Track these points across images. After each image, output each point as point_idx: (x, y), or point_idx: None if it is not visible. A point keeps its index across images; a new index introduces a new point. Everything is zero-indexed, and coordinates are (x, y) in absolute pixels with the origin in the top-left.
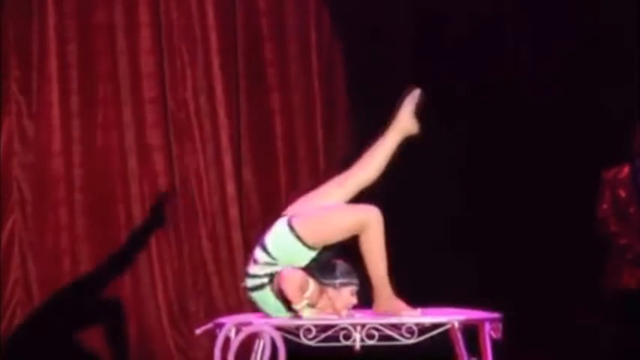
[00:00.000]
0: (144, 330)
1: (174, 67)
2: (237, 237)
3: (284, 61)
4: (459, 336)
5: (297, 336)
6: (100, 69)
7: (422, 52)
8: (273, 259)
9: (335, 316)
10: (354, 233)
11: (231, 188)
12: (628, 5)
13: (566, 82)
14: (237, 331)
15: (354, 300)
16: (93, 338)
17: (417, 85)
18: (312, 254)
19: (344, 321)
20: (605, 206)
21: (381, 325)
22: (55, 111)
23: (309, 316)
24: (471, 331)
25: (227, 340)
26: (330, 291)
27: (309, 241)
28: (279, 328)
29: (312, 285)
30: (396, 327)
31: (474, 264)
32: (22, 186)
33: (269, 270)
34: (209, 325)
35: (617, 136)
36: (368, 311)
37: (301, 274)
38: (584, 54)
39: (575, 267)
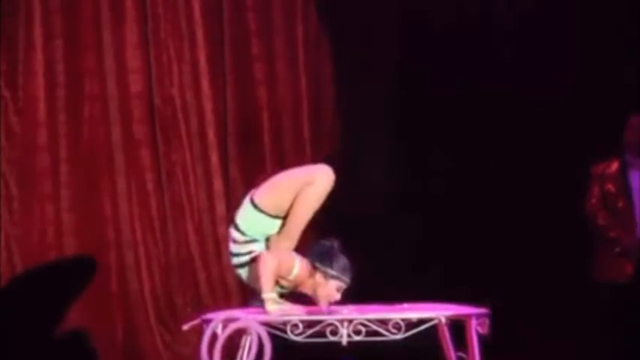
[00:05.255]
0: (131, 325)
1: (160, 63)
2: (223, 233)
3: (271, 56)
4: (446, 331)
5: (284, 332)
6: (86, 64)
7: (409, 47)
8: (249, 235)
9: (321, 312)
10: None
11: (217, 184)
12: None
13: (556, 77)
14: (224, 327)
15: (338, 296)
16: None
17: (405, 81)
18: (278, 222)
19: (331, 317)
20: (593, 201)
21: (368, 320)
22: (41, 106)
23: (273, 310)
24: (458, 327)
25: (214, 336)
26: (319, 277)
27: (272, 212)
28: (266, 324)
29: (296, 269)
30: (383, 323)
31: (462, 259)
32: (8, 181)
33: (251, 247)
34: (196, 321)
35: (606, 131)
36: (355, 307)
37: (280, 259)
38: (573, 49)
39: (563, 261)
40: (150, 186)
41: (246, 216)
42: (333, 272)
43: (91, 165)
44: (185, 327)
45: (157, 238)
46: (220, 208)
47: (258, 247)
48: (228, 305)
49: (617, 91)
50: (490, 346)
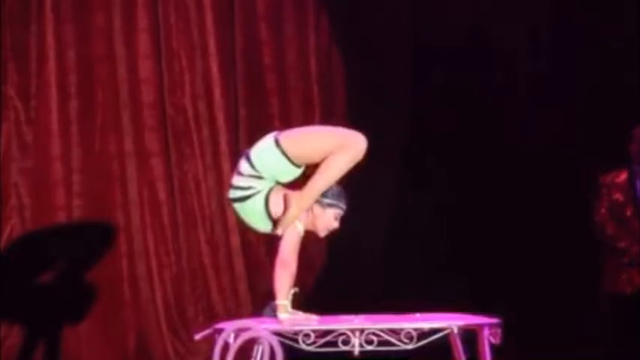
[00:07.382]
0: (143, 335)
1: (172, 72)
2: (235, 242)
3: (282, 65)
4: (458, 341)
5: (296, 341)
6: (99, 74)
7: (420, 56)
8: (257, 172)
9: (333, 322)
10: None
11: None
12: (627, 4)
13: (564, 86)
14: (236, 337)
15: (336, 224)
16: (92, 343)
17: (415, 90)
18: (297, 172)
19: (343, 326)
20: (602, 210)
21: (380, 330)
22: (54, 116)
23: (285, 318)
24: (470, 337)
25: (226, 346)
26: (316, 208)
27: (293, 158)
28: (277, 334)
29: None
30: (394, 332)
31: (473, 270)
32: (20, 191)
33: (253, 183)
34: (208, 331)
35: (614, 141)
36: (366, 316)
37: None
38: (582, 57)
39: (572, 271)
40: (162, 195)
41: (263, 151)
42: (329, 200)
43: (103, 175)
44: (197, 337)
45: (168, 248)
46: (232, 217)
47: (259, 185)
48: (239, 315)
49: (626, 100)
50: (501, 356)
